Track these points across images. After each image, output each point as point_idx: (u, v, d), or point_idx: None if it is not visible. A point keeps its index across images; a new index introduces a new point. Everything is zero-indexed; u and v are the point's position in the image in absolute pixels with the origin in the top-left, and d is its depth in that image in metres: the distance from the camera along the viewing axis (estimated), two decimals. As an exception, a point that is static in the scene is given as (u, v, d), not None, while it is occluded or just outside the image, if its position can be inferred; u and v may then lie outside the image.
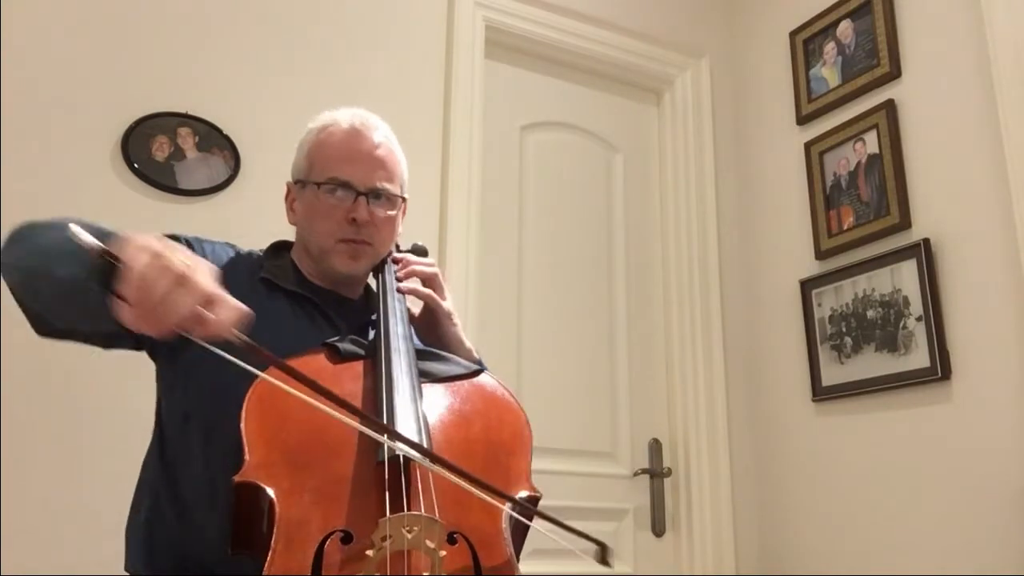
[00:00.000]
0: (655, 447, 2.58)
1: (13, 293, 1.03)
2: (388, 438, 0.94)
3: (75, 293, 0.91)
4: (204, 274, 0.84)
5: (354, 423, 0.92)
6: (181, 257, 0.83)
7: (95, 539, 1.59)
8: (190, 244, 1.23)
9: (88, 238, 0.82)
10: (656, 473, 2.55)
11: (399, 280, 1.29)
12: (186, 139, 2.05)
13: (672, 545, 2.54)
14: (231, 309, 0.84)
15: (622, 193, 2.77)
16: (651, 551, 2.51)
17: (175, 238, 1.22)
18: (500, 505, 0.98)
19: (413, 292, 1.28)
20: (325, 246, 1.24)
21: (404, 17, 2.41)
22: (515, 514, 0.99)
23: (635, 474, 2.54)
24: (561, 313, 2.56)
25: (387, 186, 1.25)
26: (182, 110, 2.06)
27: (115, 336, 1.08)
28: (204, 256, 1.21)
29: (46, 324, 1.05)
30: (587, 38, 2.71)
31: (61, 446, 1.80)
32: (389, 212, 1.26)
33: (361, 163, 1.24)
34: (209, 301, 0.83)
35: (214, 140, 2.08)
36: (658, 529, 2.52)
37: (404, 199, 1.31)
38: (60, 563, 1.69)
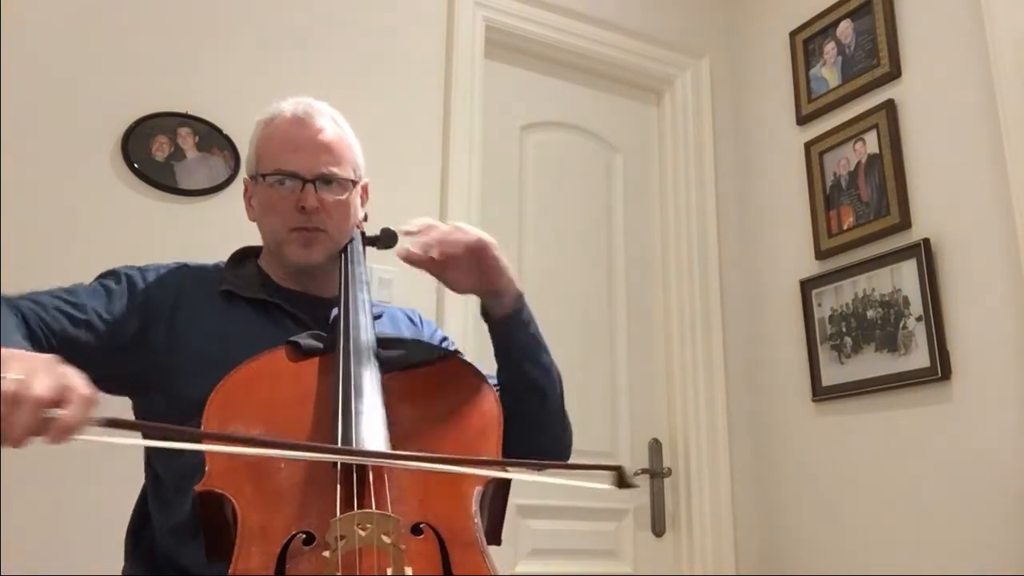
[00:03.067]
0: (655, 447, 2.58)
1: None
2: (342, 456, 0.94)
3: None
4: (41, 376, 0.79)
5: (305, 455, 0.92)
6: (14, 371, 0.78)
7: (95, 539, 1.59)
8: (129, 278, 1.20)
9: None
10: (656, 473, 2.55)
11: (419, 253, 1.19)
12: (186, 139, 2.05)
13: (672, 545, 2.54)
14: (78, 402, 0.81)
15: (622, 193, 2.77)
16: (651, 551, 2.51)
17: (112, 274, 1.20)
18: (474, 477, 0.97)
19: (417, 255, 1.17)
20: (279, 237, 1.23)
21: (404, 17, 2.41)
22: (498, 474, 0.97)
23: (635, 474, 2.54)
24: (561, 313, 2.56)
25: (335, 170, 1.23)
26: (182, 110, 2.06)
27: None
28: (145, 284, 1.19)
29: None
30: (587, 38, 2.71)
31: (61, 446, 1.80)
32: (339, 196, 1.24)
33: (305, 150, 1.22)
34: (52, 403, 0.79)
35: (214, 140, 2.08)
36: (658, 529, 2.52)
37: (356, 182, 1.28)
38: (60, 563, 1.69)
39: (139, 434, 0.92)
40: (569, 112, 2.74)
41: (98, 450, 1.83)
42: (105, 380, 1.04)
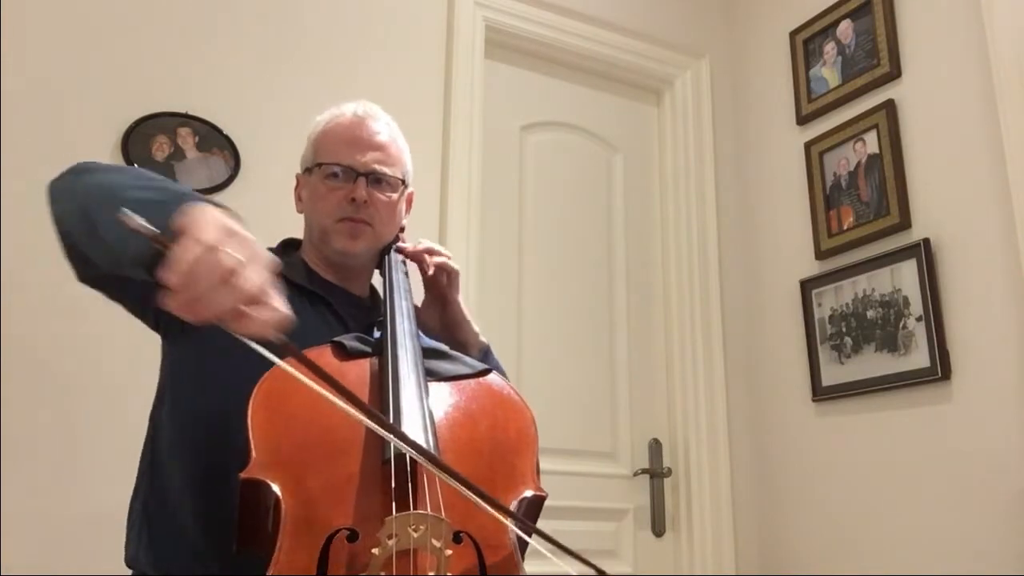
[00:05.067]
0: (655, 447, 2.58)
1: (59, 229, 1.03)
2: (395, 439, 0.94)
3: (115, 255, 0.91)
4: (256, 270, 0.81)
5: (366, 420, 0.91)
6: (235, 250, 0.80)
7: (95, 539, 1.59)
8: None
9: (140, 223, 0.78)
10: (656, 473, 2.55)
11: (412, 251, 1.33)
12: (186, 139, 2.05)
13: (672, 545, 2.54)
14: (274, 311, 0.81)
15: (622, 193, 2.77)
16: (651, 551, 2.51)
17: None
18: (501, 518, 0.97)
19: (429, 250, 1.33)
20: (325, 226, 1.28)
21: (404, 17, 2.41)
22: (514, 527, 0.99)
23: (635, 474, 2.54)
24: (561, 313, 2.56)
25: (386, 170, 1.29)
26: (182, 110, 2.06)
27: (144, 299, 1.09)
28: None
29: (89, 268, 1.04)
30: (587, 38, 2.71)
31: (61, 446, 1.80)
32: (390, 195, 1.29)
33: (361, 147, 1.28)
34: (253, 301, 0.80)
35: (214, 140, 2.08)
36: (658, 529, 2.52)
37: (406, 185, 1.33)
38: (60, 563, 1.69)
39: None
40: (569, 112, 2.74)
41: (98, 449, 1.83)
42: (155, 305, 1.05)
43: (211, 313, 0.79)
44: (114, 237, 0.88)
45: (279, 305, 0.82)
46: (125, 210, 0.78)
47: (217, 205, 0.89)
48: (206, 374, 1.14)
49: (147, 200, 0.89)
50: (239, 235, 0.82)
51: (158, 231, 0.79)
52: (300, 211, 1.35)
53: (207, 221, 0.82)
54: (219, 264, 0.78)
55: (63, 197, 1.02)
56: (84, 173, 1.03)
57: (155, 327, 1.20)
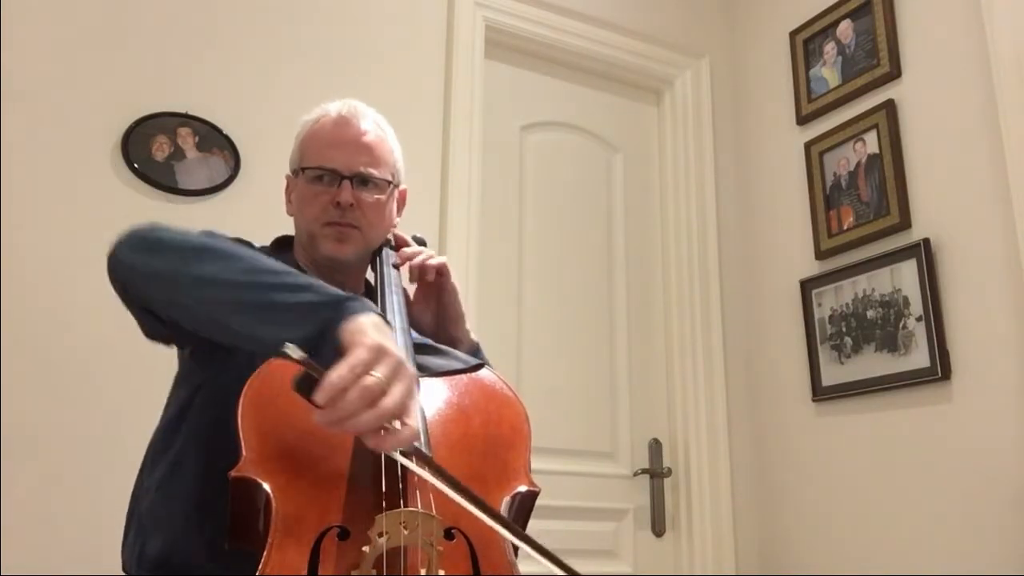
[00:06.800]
0: (655, 447, 2.58)
1: (138, 296, 1.07)
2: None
3: (244, 341, 0.96)
4: (399, 388, 0.85)
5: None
6: (383, 370, 0.84)
7: (95, 539, 1.59)
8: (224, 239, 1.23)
9: (299, 355, 0.82)
10: (656, 473, 2.55)
11: (404, 261, 1.32)
12: (186, 139, 2.05)
13: (672, 545, 2.54)
14: (412, 428, 0.85)
15: (622, 193, 2.77)
16: (651, 551, 2.51)
17: (210, 233, 1.22)
18: (486, 518, 0.97)
19: (410, 256, 1.32)
20: (313, 230, 1.26)
21: (404, 17, 2.41)
22: (503, 530, 0.98)
23: (635, 474, 2.54)
24: (561, 313, 2.56)
25: (372, 171, 1.27)
26: (182, 110, 2.06)
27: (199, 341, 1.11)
28: None
29: (169, 334, 1.09)
30: (587, 38, 2.71)
31: (61, 446, 1.80)
32: (377, 196, 1.27)
33: (346, 149, 1.26)
34: (394, 419, 0.84)
35: (214, 140, 2.08)
36: (658, 529, 2.52)
37: (393, 184, 1.31)
38: (60, 563, 1.69)
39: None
40: (569, 112, 2.74)
41: (99, 449, 1.83)
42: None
43: (354, 431, 0.83)
44: (247, 333, 0.94)
45: (415, 420, 0.87)
46: (289, 344, 0.83)
47: (372, 310, 0.92)
48: (230, 390, 1.13)
49: (301, 304, 0.93)
50: (387, 352, 0.85)
51: (321, 368, 0.83)
52: (290, 213, 1.33)
53: (361, 342, 0.86)
54: (366, 389, 0.82)
55: (165, 277, 1.03)
56: (187, 254, 1.04)
57: (182, 349, 1.20)
